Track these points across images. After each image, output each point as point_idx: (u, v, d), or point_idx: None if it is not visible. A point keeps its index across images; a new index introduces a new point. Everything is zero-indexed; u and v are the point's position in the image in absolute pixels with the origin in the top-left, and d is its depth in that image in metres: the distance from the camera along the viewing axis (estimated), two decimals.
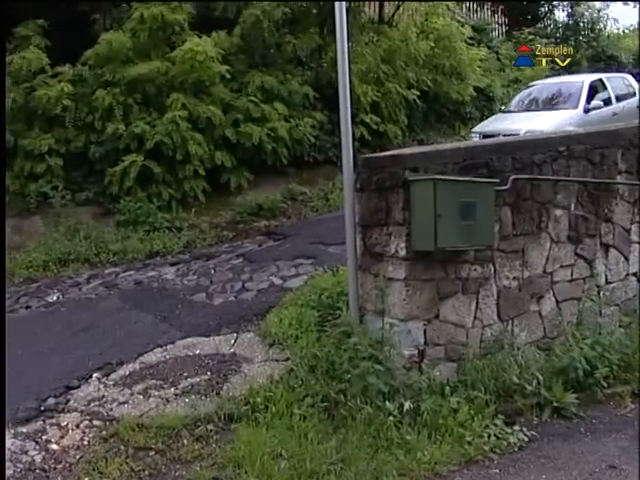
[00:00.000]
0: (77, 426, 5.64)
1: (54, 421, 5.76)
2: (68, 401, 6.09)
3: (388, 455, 5.13)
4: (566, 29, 24.78)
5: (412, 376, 5.78)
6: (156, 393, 6.05)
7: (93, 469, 4.99)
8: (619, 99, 15.19)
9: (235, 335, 7.16)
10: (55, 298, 9.33)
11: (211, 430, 5.49)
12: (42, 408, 5.97)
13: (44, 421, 5.77)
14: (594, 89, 14.89)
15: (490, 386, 5.88)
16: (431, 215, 5.59)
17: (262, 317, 7.46)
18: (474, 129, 15.03)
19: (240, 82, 13.59)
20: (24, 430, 5.60)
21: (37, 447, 5.37)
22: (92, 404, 5.99)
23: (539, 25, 24.65)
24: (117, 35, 12.64)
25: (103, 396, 6.11)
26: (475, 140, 13.64)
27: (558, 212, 6.74)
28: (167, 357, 6.78)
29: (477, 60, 17.23)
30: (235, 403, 5.72)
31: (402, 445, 5.23)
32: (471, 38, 17.76)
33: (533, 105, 15.26)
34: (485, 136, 13.41)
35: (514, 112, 15.13)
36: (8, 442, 5.36)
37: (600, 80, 15.38)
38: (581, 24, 24.69)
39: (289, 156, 13.55)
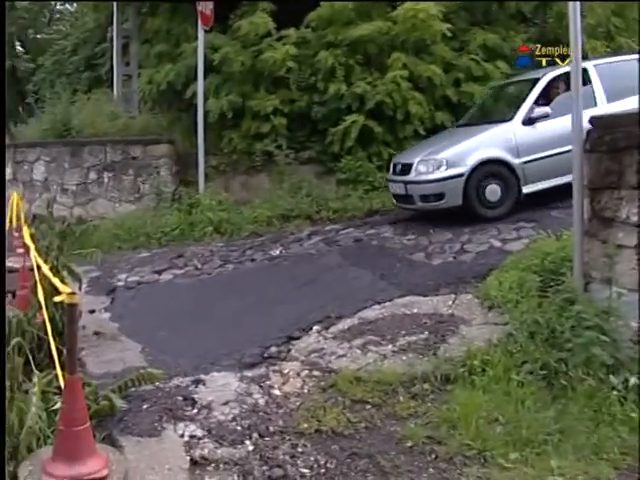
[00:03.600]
0: (297, 374, 5.87)
1: (276, 368, 6.03)
2: (289, 350, 6.36)
3: (610, 431, 4.84)
4: None
5: None
6: (374, 349, 6.15)
7: (312, 417, 5.13)
8: (614, 95, 9.91)
9: (453, 296, 7.11)
10: (278, 252, 9.77)
11: (427, 389, 5.48)
12: (265, 355, 6.29)
13: (267, 367, 6.05)
14: (562, 86, 10.22)
15: None
16: None
17: (481, 279, 7.37)
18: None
19: (461, 40, 13.29)
20: (249, 374, 5.90)
21: (260, 391, 5.62)
22: (312, 355, 6.21)
23: None
24: None
25: (322, 348, 6.31)
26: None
27: None
28: (385, 314, 6.87)
29: None
30: (452, 364, 5.67)
31: (626, 422, 4.92)
32: None
33: (475, 118, 11.59)
34: (394, 165, 11.00)
35: (461, 127, 11.51)
36: (234, 384, 5.70)
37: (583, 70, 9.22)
38: None
39: None
